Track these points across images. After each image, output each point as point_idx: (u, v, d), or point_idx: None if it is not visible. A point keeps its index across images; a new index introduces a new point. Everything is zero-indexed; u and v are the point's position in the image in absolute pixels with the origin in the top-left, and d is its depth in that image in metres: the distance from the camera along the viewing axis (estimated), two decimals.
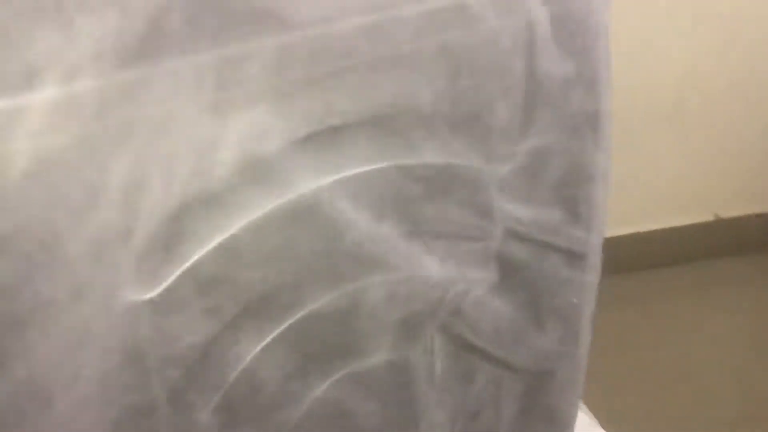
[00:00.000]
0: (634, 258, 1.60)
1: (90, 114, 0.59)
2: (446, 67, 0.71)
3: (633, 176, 1.56)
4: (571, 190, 0.85)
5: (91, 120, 0.59)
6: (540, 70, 0.76)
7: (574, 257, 0.89)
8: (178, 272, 0.65)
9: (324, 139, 0.67)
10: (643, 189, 1.63)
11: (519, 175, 0.80)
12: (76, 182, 0.60)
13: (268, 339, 0.72)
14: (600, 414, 1.09)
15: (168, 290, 0.65)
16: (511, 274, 0.86)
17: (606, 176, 0.87)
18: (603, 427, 1.10)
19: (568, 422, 0.92)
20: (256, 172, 0.67)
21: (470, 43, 0.71)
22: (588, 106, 0.82)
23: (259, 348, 0.72)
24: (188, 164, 0.62)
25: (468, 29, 0.70)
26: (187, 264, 0.66)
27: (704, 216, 1.67)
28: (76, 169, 0.60)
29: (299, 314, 0.73)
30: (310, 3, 0.64)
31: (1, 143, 0.57)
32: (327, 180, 0.69)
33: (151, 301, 0.65)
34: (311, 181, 0.68)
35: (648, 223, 1.67)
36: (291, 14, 0.64)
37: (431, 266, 0.78)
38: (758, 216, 1.65)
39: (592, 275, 0.91)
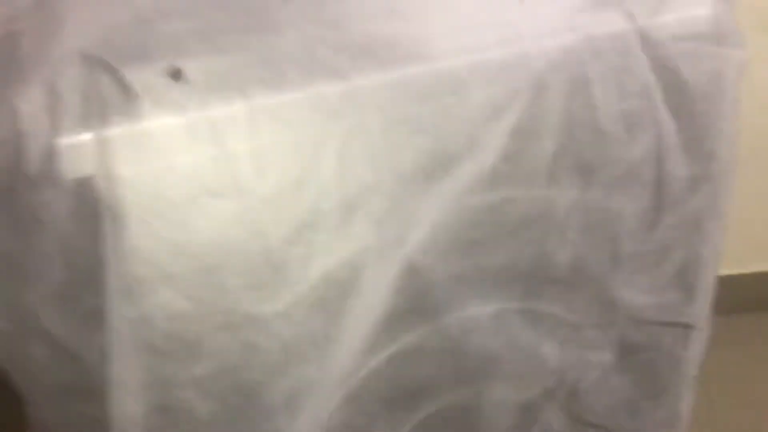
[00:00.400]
0: (745, 299, 1.63)
1: (287, 281, 0.70)
2: (580, 180, 0.80)
3: (745, 216, 1.58)
4: (689, 275, 0.94)
5: (285, 287, 0.70)
6: (668, 174, 0.84)
7: (688, 332, 0.98)
8: None
9: (463, 248, 0.77)
10: (757, 229, 1.66)
11: (643, 269, 0.89)
12: (273, 339, 0.71)
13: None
14: None
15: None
16: (628, 354, 0.95)
17: (719, 256, 0.96)
18: None
19: None
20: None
21: (603, 159, 0.80)
22: (711, 200, 0.89)
23: None
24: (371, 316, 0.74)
25: (602, 147, 0.79)
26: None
27: None
28: (273, 328, 0.71)
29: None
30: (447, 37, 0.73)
31: (200, 302, 0.69)
32: (461, 285, 0.79)
33: None
34: (447, 289, 0.78)
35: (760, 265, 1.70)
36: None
37: (550, 353, 0.88)
38: None
39: (701, 345, 1.00)
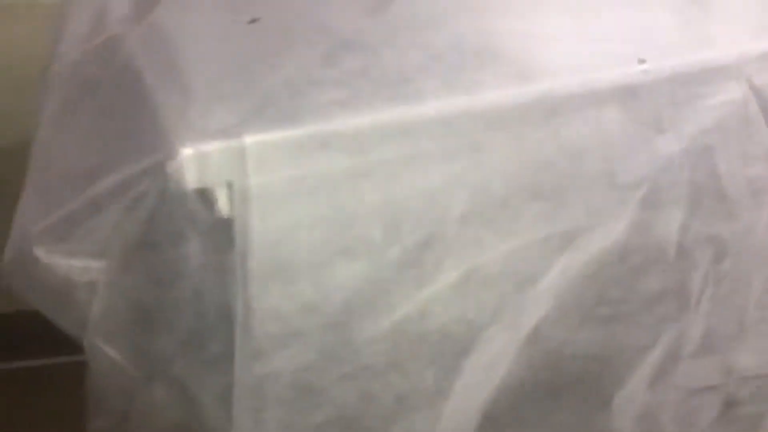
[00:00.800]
0: None
1: (405, 335, 0.74)
2: (711, 253, 0.82)
3: None
4: None
5: (403, 340, 0.74)
6: None
7: None
8: None
9: (596, 324, 0.81)
10: None
11: (762, 332, 0.91)
12: (388, 390, 0.75)
13: None
14: None
15: None
16: (732, 408, 0.97)
17: None
18: None
19: None
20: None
21: (732, 226, 0.82)
22: None
23: None
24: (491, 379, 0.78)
25: (729, 215, 0.81)
26: None
27: None
28: (389, 379, 0.75)
29: None
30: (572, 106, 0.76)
31: (324, 354, 0.74)
32: (595, 364, 0.82)
33: None
34: (579, 366, 0.82)
35: None
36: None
37: (666, 417, 0.90)
38: None
39: None
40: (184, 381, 0.73)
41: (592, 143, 0.75)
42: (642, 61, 0.74)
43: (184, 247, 0.68)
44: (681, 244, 0.80)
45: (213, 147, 0.67)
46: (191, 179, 0.67)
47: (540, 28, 0.77)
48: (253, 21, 0.80)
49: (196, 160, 0.67)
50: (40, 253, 0.70)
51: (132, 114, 0.78)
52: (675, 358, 0.85)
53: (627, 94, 0.75)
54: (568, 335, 0.80)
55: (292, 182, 0.69)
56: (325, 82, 0.70)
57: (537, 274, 0.77)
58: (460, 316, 0.76)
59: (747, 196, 0.82)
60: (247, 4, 0.84)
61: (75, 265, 0.71)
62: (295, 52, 0.73)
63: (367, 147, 0.69)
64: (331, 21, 0.78)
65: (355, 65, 0.72)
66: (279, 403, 0.74)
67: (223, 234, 0.69)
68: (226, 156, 0.67)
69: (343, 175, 0.70)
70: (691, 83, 0.77)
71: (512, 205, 0.75)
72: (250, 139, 0.67)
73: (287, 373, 0.72)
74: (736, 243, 0.82)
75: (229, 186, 0.68)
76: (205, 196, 0.68)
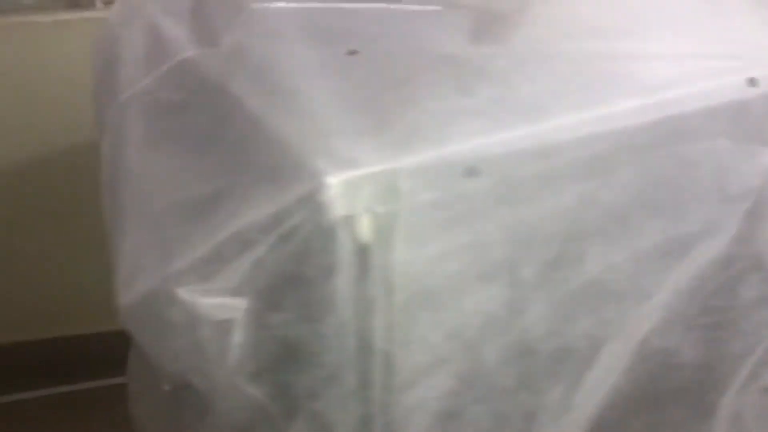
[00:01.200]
0: None
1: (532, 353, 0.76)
2: None
3: None
4: None
5: (529, 357, 0.76)
6: None
7: None
8: None
9: (701, 334, 0.84)
10: None
11: None
12: (517, 407, 0.77)
13: None
14: None
15: None
16: None
17: None
18: None
19: None
20: None
21: None
22: None
23: None
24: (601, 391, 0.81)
25: None
26: None
27: None
28: (519, 398, 0.77)
29: None
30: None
31: (462, 378, 0.75)
32: (701, 372, 0.86)
33: None
34: (685, 377, 0.85)
35: None
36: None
37: (750, 419, 0.95)
38: None
39: None
40: (326, 416, 0.73)
41: (706, 158, 0.78)
42: (754, 81, 0.78)
43: (333, 281, 0.68)
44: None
45: (362, 177, 0.67)
46: (340, 210, 0.67)
47: (654, 48, 0.80)
48: (352, 53, 0.80)
49: (345, 190, 0.67)
50: (183, 293, 0.69)
51: (240, 141, 0.77)
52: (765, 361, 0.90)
53: (737, 110, 0.79)
54: (674, 345, 0.83)
55: (436, 210, 0.70)
56: (466, 113, 0.72)
57: (654, 287, 0.80)
58: (584, 332, 0.78)
59: None
60: (336, 35, 0.84)
61: (214, 303, 0.70)
62: (426, 83, 0.74)
63: (507, 172, 0.71)
64: (444, 49, 0.79)
65: (491, 94, 0.74)
66: (419, 429, 0.74)
67: (367, 263, 0.69)
68: (375, 186, 0.68)
69: (484, 200, 0.71)
70: None
71: (634, 221, 0.77)
72: (399, 169, 0.68)
73: (431, 401, 0.73)
74: None
75: (376, 215, 0.68)
76: (351, 226, 0.68)
